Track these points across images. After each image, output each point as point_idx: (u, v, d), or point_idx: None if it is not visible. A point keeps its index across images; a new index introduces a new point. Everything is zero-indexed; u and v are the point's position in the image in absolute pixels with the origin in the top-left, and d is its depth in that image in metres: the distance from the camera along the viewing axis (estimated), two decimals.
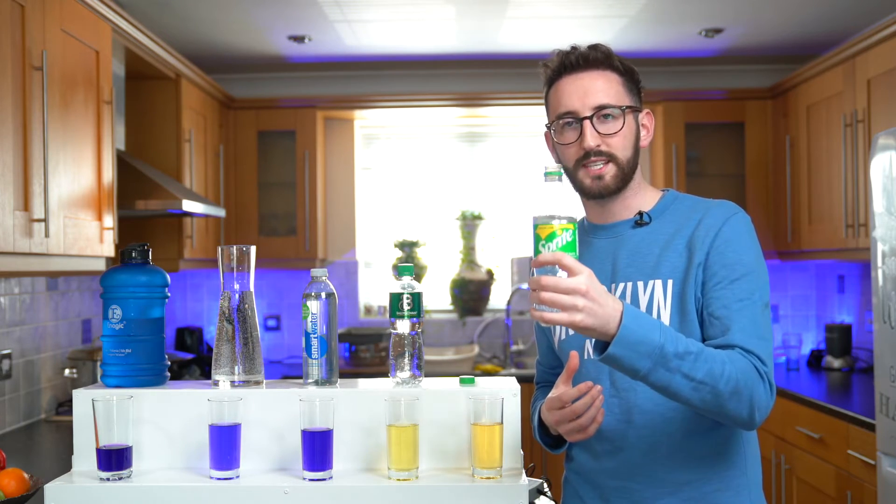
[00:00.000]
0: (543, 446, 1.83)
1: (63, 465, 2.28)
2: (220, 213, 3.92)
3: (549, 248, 1.41)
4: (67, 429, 2.29)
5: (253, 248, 1.83)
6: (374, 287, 5.16)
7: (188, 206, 3.39)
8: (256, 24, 4.08)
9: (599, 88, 1.68)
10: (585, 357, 1.72)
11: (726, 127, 4.70)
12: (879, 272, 2.74)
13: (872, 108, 3.53)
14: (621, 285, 1.68)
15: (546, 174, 1.46)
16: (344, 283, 5.04)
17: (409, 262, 4.29)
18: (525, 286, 4.78)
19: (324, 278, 1.81)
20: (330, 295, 1.79)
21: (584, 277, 1.39)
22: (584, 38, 4.27)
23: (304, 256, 4.66)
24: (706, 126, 4.69)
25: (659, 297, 1.63)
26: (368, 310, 5.14)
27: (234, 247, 1.81)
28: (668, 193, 1.76)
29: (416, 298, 1.75)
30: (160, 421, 1.78)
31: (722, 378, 1.48)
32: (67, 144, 2.67)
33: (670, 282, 1.63)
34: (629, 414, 1.67)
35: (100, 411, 1.69)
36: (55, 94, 2.57)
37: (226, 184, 4.56)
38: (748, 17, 4.07)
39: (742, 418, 1.52)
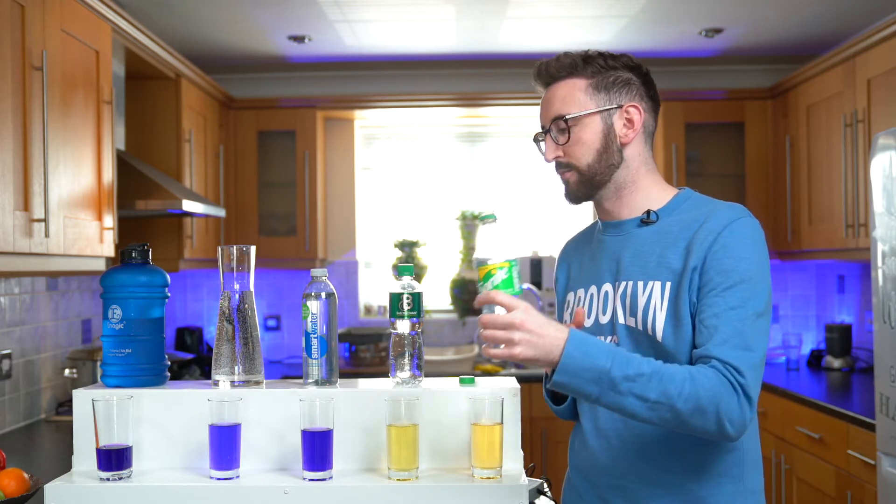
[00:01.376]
0: (548, 402, 1.85)
1: (63, 465, 2.28)
2: (220, 213, 3.92)
3: (485, 288, 1.51)
4: (67, 429, 2.29)
5: (253, 248, 1.83)
6: (374, 287, 5.16)
7: (188, 206, 3.39)
8: (256, 24, 4.08)
9: (557, 98, 1.70)
10: None
11: (726, 127, 4.69)
12: (879, 272, 2.74)
13: (872, 108, 3.53)
14: (623, 284, 1.67)
15: (481, 218, 1.54)
16: (344, 283, 5.04)
17: (409, 262, 4.29)
18: (524, 285, 4.78)
19: (324, 278, 1.81)
20: (330, 295, 1.79)
21: (519, 312, 1.47)
22: (584, 38, 4.31)
23: (304, 256, 4.66)
24: (706, 126, 4.69)
25: (656, 299, 1.61)
26: (368, 310, 5.14)
27: (234, 247, 1.81)
28: (682, 193, 1.73)
29: (416, 298, 1.75)
30: (160, 421, 1.78)
31: (680, 397, 1.47)
32: (67, 144, 2.67)
33: (668, 284, 1.61)
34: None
35: (100, 411, 1.69)
36: (55, 94, 2.57)
37: (226, 184, 4.56)
38: (748, 17, 4.07)
39: (711, 433, 1.51)
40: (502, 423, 1.70)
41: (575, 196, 1.73)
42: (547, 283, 4.85)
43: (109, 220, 2.95)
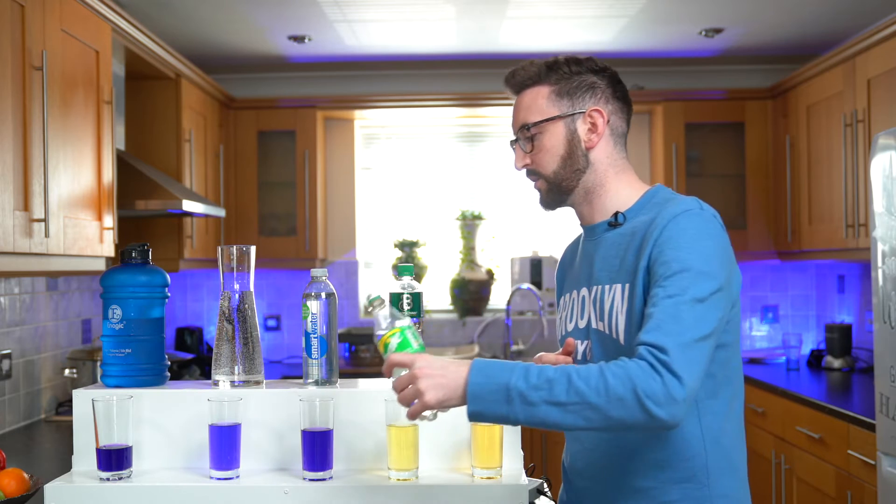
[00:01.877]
0: None
1: (63, 465, 2.28)
2: (220, 213, 3.92)
3: (386, 358, 1.54)
4: (67, 429, 2.29)
5: (253, 248, 1.83)
6: (374, 287, 5.15)
7: (188, 206, 3.39)
8: (256, 24, 4.08)
9: (523, 107, 1.72)
10: (579, 358, 1.72)
11: (726, 127, 4.69)
12: (879, 272, 2.74)
13: (872, 108, 3.53)
14: (595, 289, 1.67)
15: (369, 301, 1.59)
16: (344, 283, 5.04)
17: (409, 262, 4.29)
18: (525, 286, 4.78)
19: (324, 278, 1.81)
20: (330, 295, 1.79)
21: (417, 362, 1.48)
22: (584, 38, 4.31)
23: (304, 256, 4.66)
24: (706, 126, 4.69)
25: (618, 302, 1.61)
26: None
27: (234, 247, 1.81)
28: (649, 191, 1.71)
29: (416, 298, 1.76)
30: (160, 421, 1.78)
31: (592, 390, 1.42)
32: (67, 144, 2.67)
33: (627, 286, 1.60)
34: None
35: (100, 411, 1.70)
36: (55, 94, 2.57)
37: (226, 184, 4.56)
38: (748, 17, 4.07)
39: (641, 420, 1.42)
40: None
41: (546, 203, 1.75)
42: (547, 283, 4.85)
43: (109, 220, 2.95)
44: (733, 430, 1.63)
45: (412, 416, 1.48)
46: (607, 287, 1.64)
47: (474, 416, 1.47)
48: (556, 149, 1.69)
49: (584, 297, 1.71)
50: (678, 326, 1.46)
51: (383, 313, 1.57)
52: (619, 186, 1.71)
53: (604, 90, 1.71)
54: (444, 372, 1.47)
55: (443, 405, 1.47)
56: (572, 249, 1.86)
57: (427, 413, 1.50)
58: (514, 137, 1.75)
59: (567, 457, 1.77)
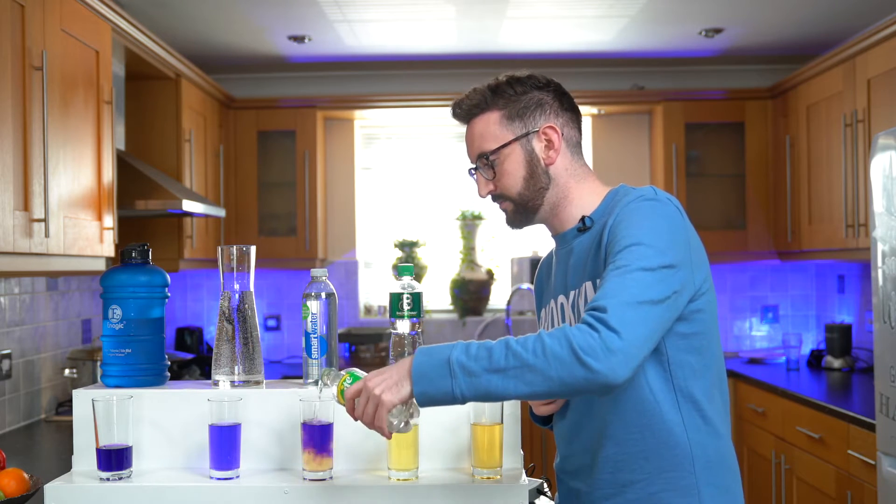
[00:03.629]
0: (539, 425, 1.86)
1: (63, 465, 2.28)
2: (220, 213, 3.92)
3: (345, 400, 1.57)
4: (67, 429, 2.29)
5: (253, 248, 1.83)
6: (374, 287, 5.16)
7: (188, 206, 3.39)
8: (256, 24, 4.08)
9: (476, 135, 1.73)
10: None
11: (726, 127, 4.70)
12: (879, 272, 2.74)
13: (872, 108, 3.53)
14: (571, 294, 1.68)
15: (323, 379, 1.64)
16: (344, 283, 5.04)
17: (409, 262, 4.29)
18: (525, 286, 4.78)
19: (324, 278, 1.81)
20: (330, 295, 1.80)
21: (365, 380, 1.52)
22: (584, 38, 4.32)
23: (304, 256, 4.66)
24: (706, 126, 4.69)
25: (590, 298, 1.61)
26: (368, 310, 5.14)
27: (234, 247, 1.81)
28: (611, 192, 1.72)
29: (416, 298, 1.76)
30: (160, 421, 1.78)
31: (529, 353, 1.44)
32: (67, 144, 2.67)
33: (598, 280, 1.60)
34: (580, 415, 1.67)
35: (100, 411, 1.70)
36: (55, 94, 2.57)
37: (226, 184, 4.56)
38: (748, 17, 4.08)
39: (581, 377, 1.42)
40: (502, 422, 1.70)
41: (514, 223, 1.76)
42: None
43: (109, 220, 2.95)
44: (717, 419, 1.63)
45: (381, 429, 1.49)
46: (581, 289, 1.65)
47: (422, 398, 1.48)
48: (518, 171, 1.70)
49: (562, 305, 1.72)
50: (621, 290, 1.47)
51: (333, 383, 1.61)
52: (583, 194, 1.73)
53: (551, 104, 1.72)
54: (391, 371, 1.51)
55: (400, 397, 1.48)
56: (547, 263, 1.87)
57: (395, 421, 1.51)
58: (472, 166, 1.76)
59: (557, 460, 1.77)
